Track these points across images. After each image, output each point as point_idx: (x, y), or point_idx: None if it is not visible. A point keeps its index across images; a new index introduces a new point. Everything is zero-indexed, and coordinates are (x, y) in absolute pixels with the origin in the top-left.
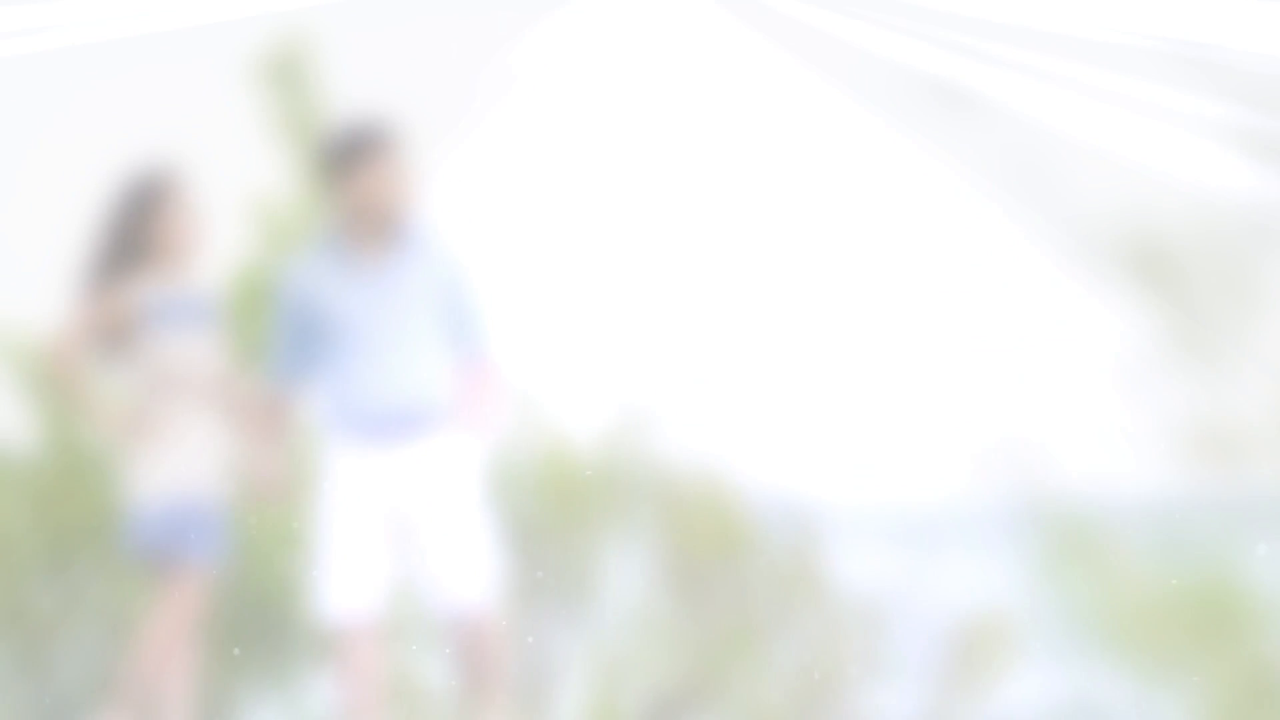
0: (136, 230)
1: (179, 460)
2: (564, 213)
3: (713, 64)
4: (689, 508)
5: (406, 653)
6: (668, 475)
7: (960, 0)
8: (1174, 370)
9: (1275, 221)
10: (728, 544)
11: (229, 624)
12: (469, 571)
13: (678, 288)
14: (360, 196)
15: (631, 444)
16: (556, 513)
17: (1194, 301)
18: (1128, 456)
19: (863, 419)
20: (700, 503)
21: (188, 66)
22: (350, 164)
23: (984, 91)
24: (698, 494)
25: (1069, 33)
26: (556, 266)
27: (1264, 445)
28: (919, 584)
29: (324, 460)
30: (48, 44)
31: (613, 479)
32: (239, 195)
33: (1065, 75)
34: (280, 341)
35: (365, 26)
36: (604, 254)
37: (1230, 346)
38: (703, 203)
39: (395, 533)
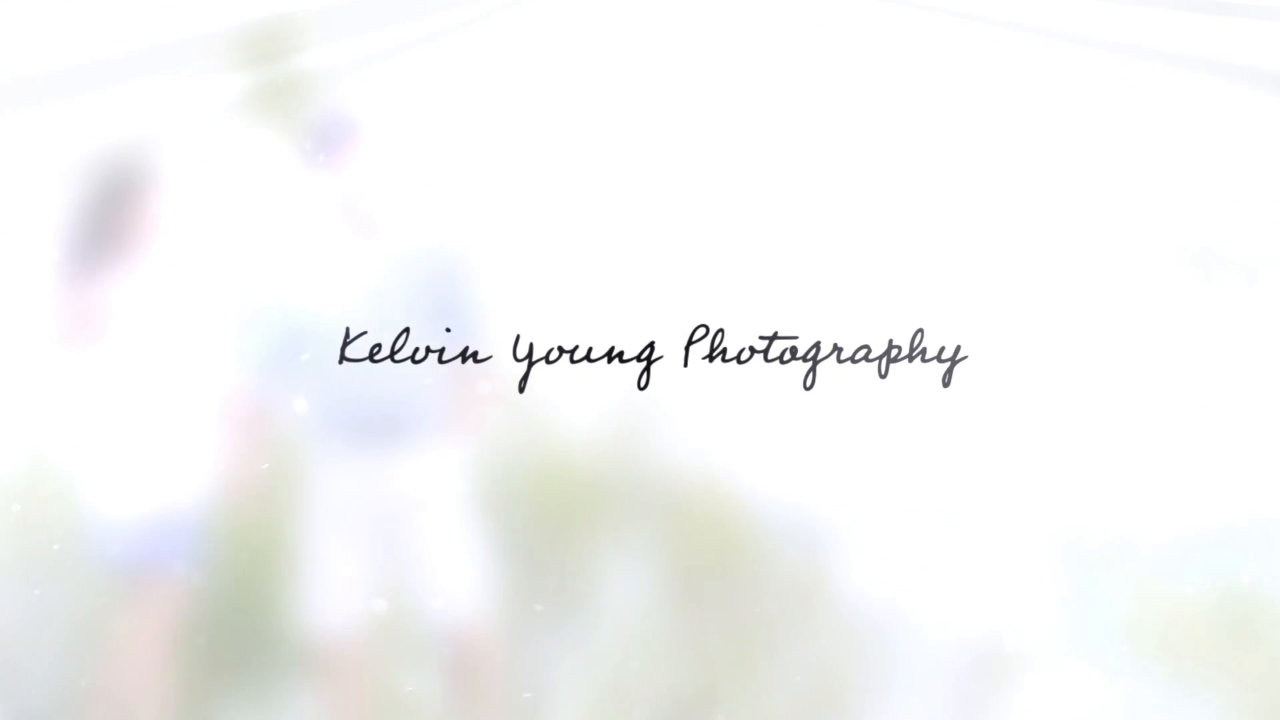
0: (113, 222)
1: (157, 467)
2: (564, 202)
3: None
4: (692, 517)
5: (396, 666)
6: (670, 484)
7: None
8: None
9: None
10: (732, 555)
11: (209, 637)
12: (461, 583)
13: (679, 288)
14: (345, 190)
15: (633, 451)
16: (555, 522)
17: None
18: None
19: (872, 424)
20: (704, 512)
21: (183, 63)
22: (333, 157)
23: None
24: (701, 503)
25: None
26: (557, 258)
27: None
28: (930, 596)
29: (309, 467)
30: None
31: (613, 487)
32: (220, 186)
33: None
34: (263, 342)
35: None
36: (607, 249)
37: None
38: (707, 185)
39: (384, 542)
